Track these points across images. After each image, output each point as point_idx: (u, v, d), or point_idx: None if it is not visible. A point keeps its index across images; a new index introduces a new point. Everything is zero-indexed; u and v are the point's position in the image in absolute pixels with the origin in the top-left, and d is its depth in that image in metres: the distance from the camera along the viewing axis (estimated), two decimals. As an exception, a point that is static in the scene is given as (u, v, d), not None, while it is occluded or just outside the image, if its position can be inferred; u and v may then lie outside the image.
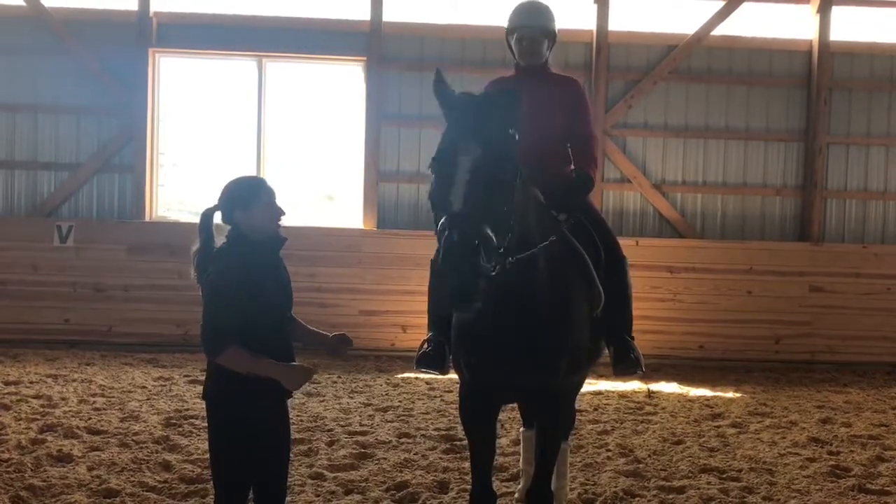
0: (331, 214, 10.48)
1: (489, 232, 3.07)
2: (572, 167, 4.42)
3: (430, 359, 4.11)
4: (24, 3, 9.78)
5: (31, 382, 7.65)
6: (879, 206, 10.33)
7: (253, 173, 3.64)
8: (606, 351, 4.34)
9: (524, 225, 3.41)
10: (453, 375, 4.14)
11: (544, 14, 4.49)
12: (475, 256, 3.01)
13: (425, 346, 4.17)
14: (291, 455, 5.55)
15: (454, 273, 2.98)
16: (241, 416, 3.34)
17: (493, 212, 3.12)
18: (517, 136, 3.34)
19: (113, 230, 9.74)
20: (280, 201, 3.48)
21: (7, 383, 7.55)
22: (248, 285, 3.28)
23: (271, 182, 3.64)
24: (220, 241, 3.44)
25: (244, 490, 3.46)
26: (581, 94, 4.55)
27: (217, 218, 3.45)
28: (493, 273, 3.10)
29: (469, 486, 4.12)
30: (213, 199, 3.48)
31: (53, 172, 10.00)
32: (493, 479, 5.22)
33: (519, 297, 3.53)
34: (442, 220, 3.10)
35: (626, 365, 4.19)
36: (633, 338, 4.27)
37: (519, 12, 4.48)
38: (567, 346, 3.73)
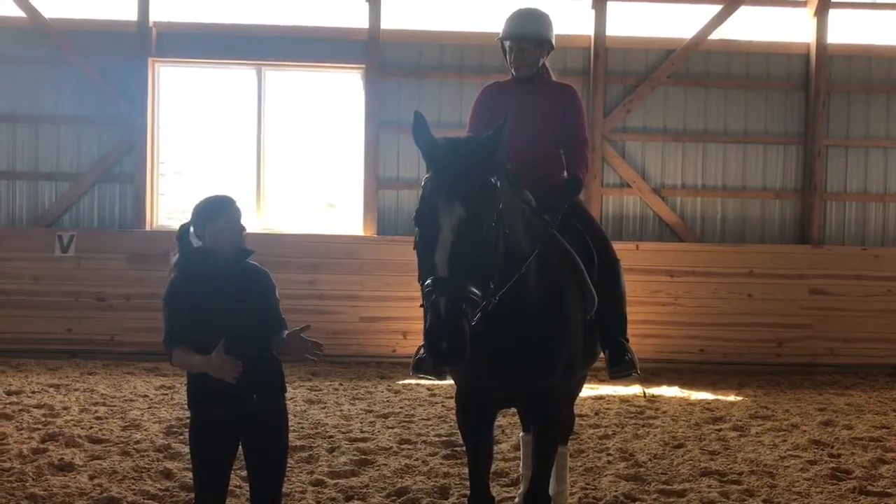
0: (332, 222, 10.51)
1: (474, 291, 3.08)
2: (564, 173, 4.43)
3: (426, 364, 4.12)
4: (24, 15, 9.83)
5: (34, 392, 7.67)
6: (879, 208, 10.34)
7: (224, 193, 3.76)
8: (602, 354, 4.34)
9: (514, 237, 3.40)
10: (454, 381, 4.15)
11: (537, 22, 4.44)
12: (463, 321, 3.03)
13: (422, 351, 4.18)
14: (292, 462, 5.61)
15: (442, 339, 3.00)
16: (210, 418, 3.55)
17: (477, 269, 3.11)
18: (498, 183, 3.26)
19: (114, 240, 9.77)
20: (246, 218, 3.70)
21: (9, 393, 7.57)
22: (194, 296, 3.51)
23: (245, 198, 3.79)
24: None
25: (219, 491, 3.63)
26: (575, 100, 4.55)
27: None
28: (474, 323, 3.12)
29: (469, 493, 4.12)
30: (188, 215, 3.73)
31: (54, 183, 10.05)
32: (494, 484, 5.26)
33: (512, 302, 3.54)
34: (427, 280, 3.10)
35: (620, 367, 4.19)
36: (627, 340, 4.26)
37: (512, 20, 4.45)
38: (560, 349, 3.73)
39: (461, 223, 3.10)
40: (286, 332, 3.57)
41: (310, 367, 9.12)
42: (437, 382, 7.57)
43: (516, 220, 3.50)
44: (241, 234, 3.64)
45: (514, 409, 5.36)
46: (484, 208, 3.16)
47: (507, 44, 4.46)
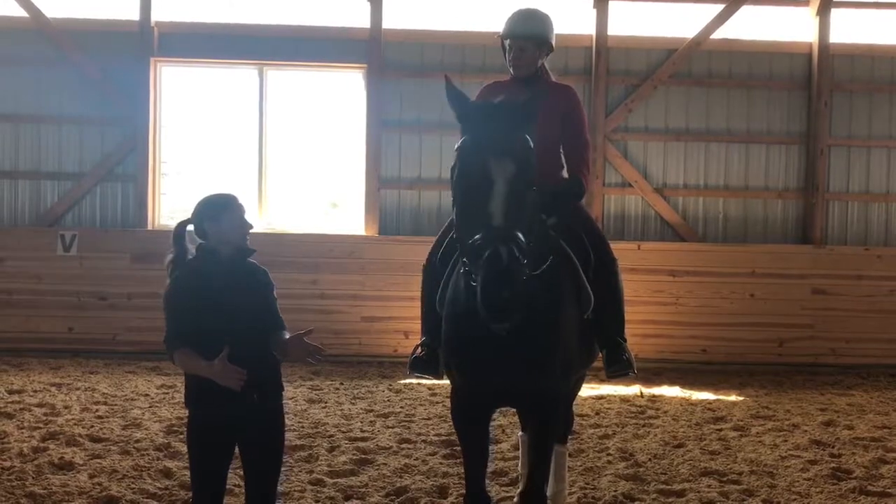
0: (334, 221, 10.53)
1: (520, 246, 3.14)
2: (565, 173, 4.43)
3: (424, 363, 4.13)
4: (26, 15, 9.86)
5: (35, 391, 7.69)
6: (882, 209, 10.32)
7: (227, 191, 3.76)
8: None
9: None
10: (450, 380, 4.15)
11: (538, 22, 4.43)
12: (523, 272, 3.09)
13: (418, 350, 4.18)
14: (291, 461, 5.62)
15: (504, 286, 2.99)
16: (208, 417, 3.55)
17: (523, 222, 3.20)
18: (532, 144, 3.38)
19: (116, 239, 9.79)
20: (249, 216, 3.69)
21: (11, 392, 7.59)
22: (196, 295, 3.49)
23: (248, 198, 3.77)
24: (193, 252, 3.68)
25: (217, 489, 3.63)
26: (574, 101, 4.54)
27: (191, 229, 3.68)
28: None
29: (465, 492, 4.12)
30: (187, 213, 3.71)
31: (57, 182, 10.07)
32: (493, 483, 5.27)
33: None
34: (478, 235, 3.11)
35: (617, 367, 4.19)
36: (625, 339, 4.26)
37: (512, 19, 4.45)
38: (557, 348, 3.73)
39: (513, 177, 3.18)
40: (287, 333, 3.57)
41: (311, 366, 9.11)
42: (437, 382, 7.57)
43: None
44: (244, 233, 3.63)
45: (513, 409, 5.35)
46: (527, 166, 3.26)
47: (506, 42, 4.47)
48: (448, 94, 3.45)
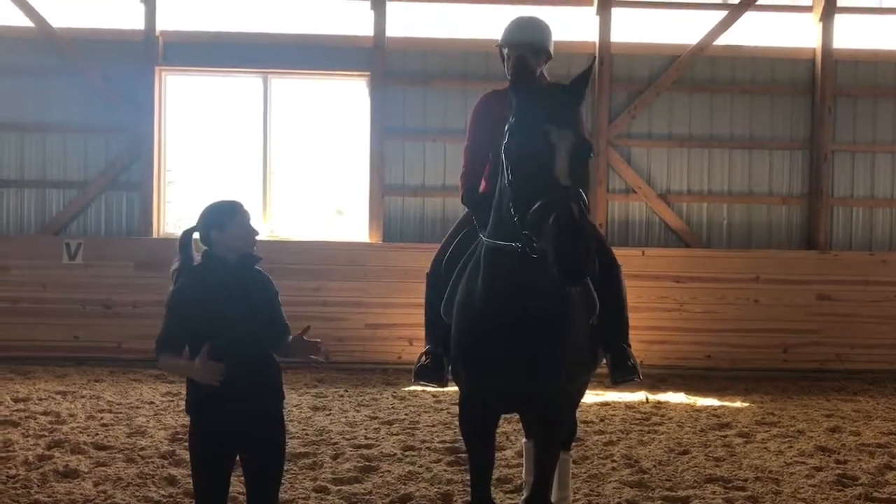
0: (340, 229, 10.55)
1: (587, 207, 3.25)
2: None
3: (429, 371, 4.13)
4: (32, 24, 9.92)
5: (40, 399, 7.70)
6: (887, 214, 10.30)
7: (232, 198, 3.78)
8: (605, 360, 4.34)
9: None
10: (457, 388, 4.15)
11: (536, 31, 4.45)
12: (591, 228, 3.19)
13: (423, 358, 4.18)
14: (296, 468, 5.62)
15: (578, 242, 3.03)
16: (209, 424, 3.56)
17: (588, 190, 3.34)
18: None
19: (121, 247, 9.82)
20: (254, 223, 3.69)
21: (16, 400, 7.60)
22: (200, 303, 3.49)
23: (252, 205, 3.79)
24: (198, 259, 3.68)
25: (219, 496, 3.63)
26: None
27: (196, 237, 3.69)
28: None
29: (470, 499, 4.12)
30: (193, 220, 3.71)
31: (62, 191, 10.11)
32: (497, 490, 5.26)
33: (518, 307, 3.55)
34: (542, 200, 3.14)
35: (622, 372, 4.19)
36: (629, 345, 4.26)
37: (511, 27, 4.48)
38: (565, 354, 3.74)
39: (573, 145, 3.29)
40: (291, 336, 3.60)
41: (315, 373, 9.14)
42: (441, 389, 7.57)
43: None
44: (251, 240, 3.63)
45: (517, 416, 5.35)
46: (583, 139, 3.37)
47: (505, 50, 4.48)
48: (517, 77, 3.53)
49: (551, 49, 4.52)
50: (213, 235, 3.58)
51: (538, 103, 3.38)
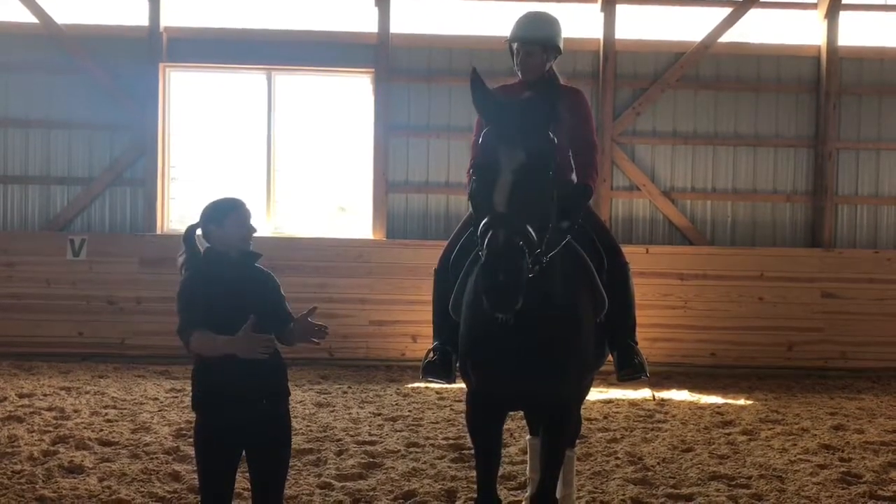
0: (343, 225, 10.55)
1: (531, 232, 3.17)
2: (574, 176, 4.43)
3: (436, 368, 4.13)
4: (36, 21, 9.92)
5: (45, 395, 7.72)
6: (891, 211, 10.28)
7: (233, 195, 3.80)
8: (611, 357, 4.34)
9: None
10: (463, 385, 4.15)
11: (546, 26, 4.45)
12: (520, 257, 3.09)
13: (431, 355, 4.18)
14: (300, 465, 5.63)
15: (500, 271, 3.03)
16: (215, 421, 3.56)
17: (534, 213, 3.23)
18: (555, 140, 3.43)
19: (125, 243, 9.83)
20: (256, 220, 3.73)
21: (21, 396, 7.62)
22: (207, 293, 3.51)
23: (256, 202, 3.82)
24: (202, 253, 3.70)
25: (225, 493, 3.64)
26: (583, 104, 4.56)
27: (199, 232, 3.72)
28: (532, 275, 3.21)
29: (476, 495, 4.12)
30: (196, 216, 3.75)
31: (66, 187, 10.12)
32: (501, 487, 5.25)
33: (524, 306, 3.55)
34: (485, 220, 3.18)
35: (630, 370, 4.19)
36: (636, 343, 4.26)
37: (520, 23, 4.47)
38: (575, 351, 3.74)
39: (522, 167, 3.23)
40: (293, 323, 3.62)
41: (320, 370, 9.15)
42: (446, 386, 7.56)
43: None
44: (246, 236, 3.65)
45: (521, 413, 5.35)
46: (542, 157, 3.30)
47: (514, 46, 4.48)
48: (473, 88, 3.49)
49: (561, 45, 4.52)
50: (210, 230, 3.63)
51: (502, 121, 3.37)
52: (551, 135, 3.42)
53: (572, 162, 4.49)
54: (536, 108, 3.41)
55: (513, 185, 3.18)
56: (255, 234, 3.71)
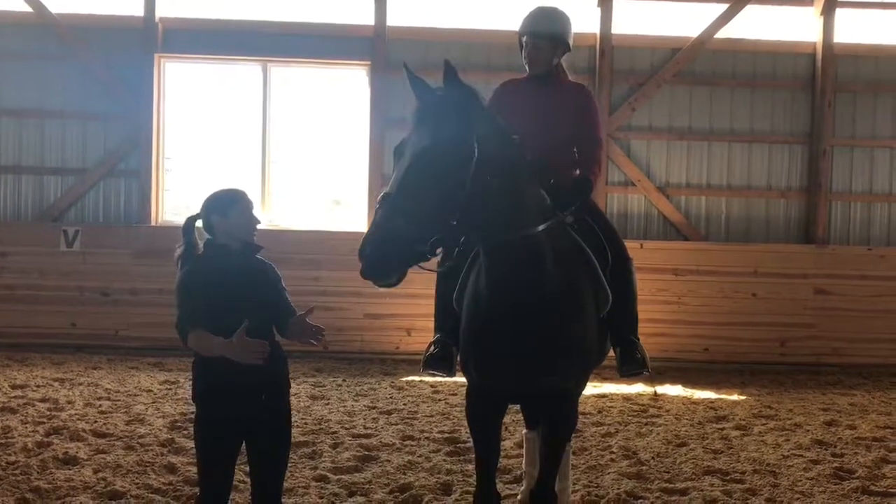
0: (337, 218, 10.53)
1: (419, 213, 3.16)
2: (577, 171, 4.43)
3: (437, 361, 4.12)
4: (31, 10, 9.86)
5: (38, 386, 7.69)
6: (885, 209, 10.33)
7: (235, 186, 3.79)
8: (612, 352, 4.34)
9: (504, 195, 3.41)
10: (458, 378, 4.15)
11: (555, 22, 4.45)
12: (396, 233, 3.11)
13: (432, 348, 4.17)
14: (295, 457, 5.62)
15: (367, 244, 3.10)
16: (216, 414, 3.55)
17: (431, 198, 3.19)
18: (475, 135, 3.34)
19: (119, 235, 9.80)
20: (256, 212, 3.71)
21: (14, 387, 7.60)
22: (209, 286, 3.48)
23: (251, 194, 3.82)
24: (200, 248, 3.68)
25: (224, 485, 3.64)
26: (589, 100, 4.56)
27: (199, 224, 3.69)
28: (432, 257, 3.26)
29: (472, 488, 4.13)
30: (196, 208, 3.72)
31: (60, 177, 10.07)
32: (497, 481, 5.25)
33: (530, 299, 3.55)
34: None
35: (632, 366, 4.20)
36: (638, 339, 4.27)
37: (530, 17, 4.48)
38: (578, 346, 3.75)
39: (423, 151, 3.23)
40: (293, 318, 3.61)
41: (314, 363, 9.14)
42: (440, 380, 7.58)
43: (517, 184, 3.50)
44: (252, 228, 3.63)
45: (517, 406, 5.36)
46: (451, 143, 3.26)
47: (523, 39, 4.49)
48: (409, 80, 3.49)
49: (570, 40, 4.52)
50: (214, 221, 3.59)
51: (417, 112, 3.41)
52: (470, 130, 3.33)
53: (576, 158, 4.49)
54: (454, 102, 3.37)
55: (408, 168, 3.23)
56: (258, 224, 3.68)
